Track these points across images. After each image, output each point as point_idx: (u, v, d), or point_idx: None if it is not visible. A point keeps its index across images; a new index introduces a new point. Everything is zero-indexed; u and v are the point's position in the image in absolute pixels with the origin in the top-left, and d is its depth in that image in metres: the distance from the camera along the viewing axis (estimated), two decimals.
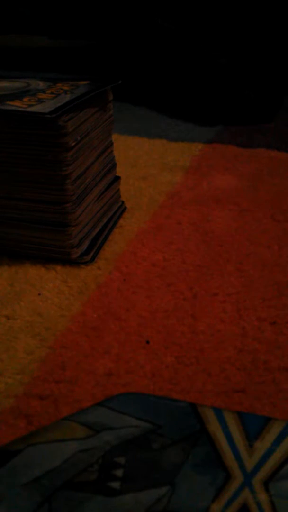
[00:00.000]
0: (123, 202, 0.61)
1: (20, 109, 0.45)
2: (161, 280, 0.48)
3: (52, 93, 0.49)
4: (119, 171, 0.60)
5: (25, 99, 0.47)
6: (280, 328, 0.42)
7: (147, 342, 0.41)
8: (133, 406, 0.32)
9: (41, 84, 0.52)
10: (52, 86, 0.51)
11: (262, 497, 0.27)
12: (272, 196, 0.65)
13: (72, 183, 0.48)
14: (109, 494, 0.27)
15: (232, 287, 0.48)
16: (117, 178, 0.59)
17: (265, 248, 0.54)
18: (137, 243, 0.54)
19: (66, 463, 0.28)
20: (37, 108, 0.45)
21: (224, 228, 0.57)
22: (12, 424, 0.34)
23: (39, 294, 0.46)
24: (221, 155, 0.78)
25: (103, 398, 0.35)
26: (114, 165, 0.58)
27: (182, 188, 0.67)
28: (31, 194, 0.48)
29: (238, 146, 0.82)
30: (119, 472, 0.28)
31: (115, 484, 0.27)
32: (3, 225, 0.50)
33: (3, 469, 0.28)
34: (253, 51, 0.94)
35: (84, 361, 0.39)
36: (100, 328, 0.43)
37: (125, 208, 0.61)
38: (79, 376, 0.38)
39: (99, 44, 1.21)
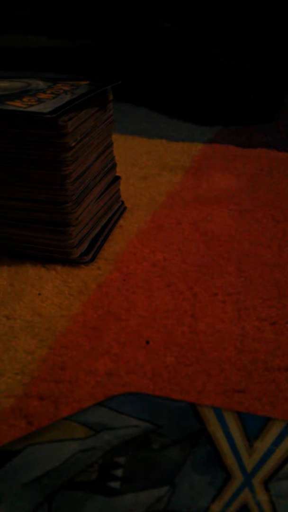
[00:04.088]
0: (123, 202, 0.61)
1: (20, 109, 0.45)
2: (161, 280, 0.48)
3: (52, 93, 0.49)
4: (119, 171, 0.60)
5: (25, 99, 0.47)
6: (280, 328, 0.42)
7: (147, 342, 0.41)
8: (133, 406, 0.32)
9: (41, 84, 0.52)
10: (52, 86, 0.51)
11: (262, 497, 0.27)
12: (272, 196, 0.65)
13: (72, 183, 0.48)
14: (109, 494, 0.27)
15: (232, 287, 0.48)
16: (117, 178, 0.59)
17: (265, 248, 0.54)
18: (137, 243, 0.54)
19: (66, 463, 0.28)
20: (37, 108, 0.45)
21: (224, 228, 0.57)
22: (12, 424, 0.34)
23: (39, 294, 0.46)
24: (221, 155, 0.78)
25: (103, 398, 0.35)
26: (114, 165, 0.58)
27: (182, 188, 0.67)
28: (31, 194, 0.48)
29: (238, 146, 0.82)
30: (119, 472, 0.28)
31: (115, 484, 0.27)
32: (3, 225, 0.50)
33: (3, 469, 0.28)
34: (253, 51, 0.94)
35: (84, 361, 0.39)
36: (100, 328, 0.43)
37: (125, 208, 0.61)
38: (79, 376, 0.38)
39: (99, 44, 1.21)
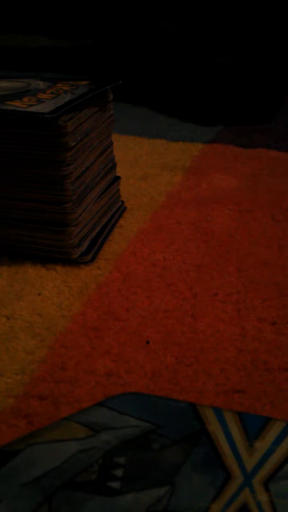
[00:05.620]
0: (123, 202, 0.61)
1: (20, 109, 0.45)
2: (161, 280, 0.48)
3: (52, 93, 0.49)
4: (119, 171, 0.60)
5: (25, 99, 0.47)
6: (280, 328, 0.42)
7: (147, 342, 0.41)
8: (133, 406, 0.32)
9: (41, 84, 0.52)
10: (52, 86, 0.51)
11: (262, 497, 0.27)
12: (272, 196, 0.65)
13: (72, 183, 0.48)
14: (109, 494, 0.27)
15: (232, 287, 0.48)
16: (117, 178, 0.59)
17: (265, 248, 0.54)
18: (137, 243, 0.54)
19: (66, 463, 0.28)
20: (37, 108, 0.45)
21: (224, 228, 0.57)
22: (12, 424, 0.34)
23: (39, 294, 0.46)
24: (221, 155, 0.78)
25: (103, 398, 0.35)
26: (114, 165, 0.58)
27: (182, 188, 0.67)
28: (31, 194, 0.48)
29: (238, 146, 0.82)
30: (119, 472, 0.28)
31: (115, 484, 0.27)
32: (3, 225, 0.50)
33: (3, 469, 0.28)
34: (253, 51, 0.94)
35: (84, 361, 0.39)
36: (100, 328, 0.43)
37: (125, 208, 0.61)
38: (79, 376, 0.38)
39: (99, 44, 1.21)
